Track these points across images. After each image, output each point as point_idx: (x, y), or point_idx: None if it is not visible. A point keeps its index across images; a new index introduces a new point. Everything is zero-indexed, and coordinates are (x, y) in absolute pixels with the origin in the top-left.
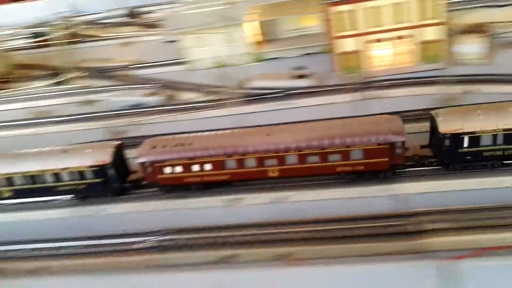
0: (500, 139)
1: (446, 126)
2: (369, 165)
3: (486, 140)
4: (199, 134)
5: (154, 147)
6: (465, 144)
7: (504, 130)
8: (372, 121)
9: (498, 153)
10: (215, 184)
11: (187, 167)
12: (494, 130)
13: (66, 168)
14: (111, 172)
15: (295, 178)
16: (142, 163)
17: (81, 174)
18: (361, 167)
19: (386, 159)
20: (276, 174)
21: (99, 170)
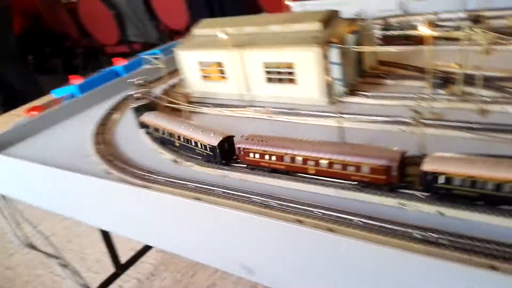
0: (467, 183)
1: (426, 165)
2: (373, 179)
3: (456, 181)
4: (276, 136)
5: (247, 139)
6: (440, 181)
7: (469, 176)
8: (379, 148)
9: (467, 193)
10: (278, 171)
11: (261, 156)
12: (462, 175)
13: (199, 140)
14: (217, 151)
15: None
16: (238, 148)
17: (204, 147)
18: (367, 179)
19: (384, 177)
20: (313, 172)
21: (212, 148)
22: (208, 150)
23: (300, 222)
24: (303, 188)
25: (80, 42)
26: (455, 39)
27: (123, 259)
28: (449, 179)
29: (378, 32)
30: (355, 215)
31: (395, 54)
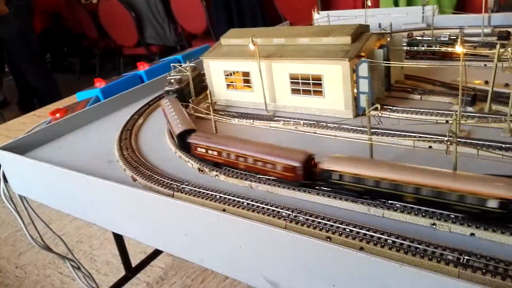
0: (354, 180)
1: (323, 164)
2: (285, 176)
3: (346, 178)
4: (221, 135)
5: (198, 136)
6: (334, 178)
7: (354, 174)
8: (292, 150)
9: (355, 188)
10: (219, 164)
11: (206, 150)
12: (349, 173)
13: (172, 129)
14: (179, 140)
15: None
16: (189, 143)
17: (174, 135)
18: (281, 176)
19: (292, 174)
20: (243, 167)
21: (176, 137)
22: (175, 138)
23: (329, 239)
24: (332, 204)
25: (98, 42)
26: (484, 56)
27: (133, 262)
28: (341, 176)
29: (405, 47)
30: (385, 233)
31: (421, 68)
